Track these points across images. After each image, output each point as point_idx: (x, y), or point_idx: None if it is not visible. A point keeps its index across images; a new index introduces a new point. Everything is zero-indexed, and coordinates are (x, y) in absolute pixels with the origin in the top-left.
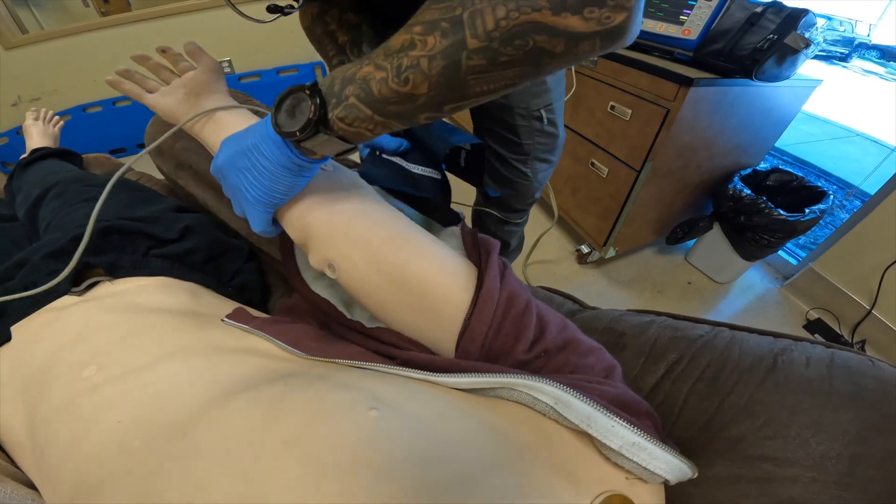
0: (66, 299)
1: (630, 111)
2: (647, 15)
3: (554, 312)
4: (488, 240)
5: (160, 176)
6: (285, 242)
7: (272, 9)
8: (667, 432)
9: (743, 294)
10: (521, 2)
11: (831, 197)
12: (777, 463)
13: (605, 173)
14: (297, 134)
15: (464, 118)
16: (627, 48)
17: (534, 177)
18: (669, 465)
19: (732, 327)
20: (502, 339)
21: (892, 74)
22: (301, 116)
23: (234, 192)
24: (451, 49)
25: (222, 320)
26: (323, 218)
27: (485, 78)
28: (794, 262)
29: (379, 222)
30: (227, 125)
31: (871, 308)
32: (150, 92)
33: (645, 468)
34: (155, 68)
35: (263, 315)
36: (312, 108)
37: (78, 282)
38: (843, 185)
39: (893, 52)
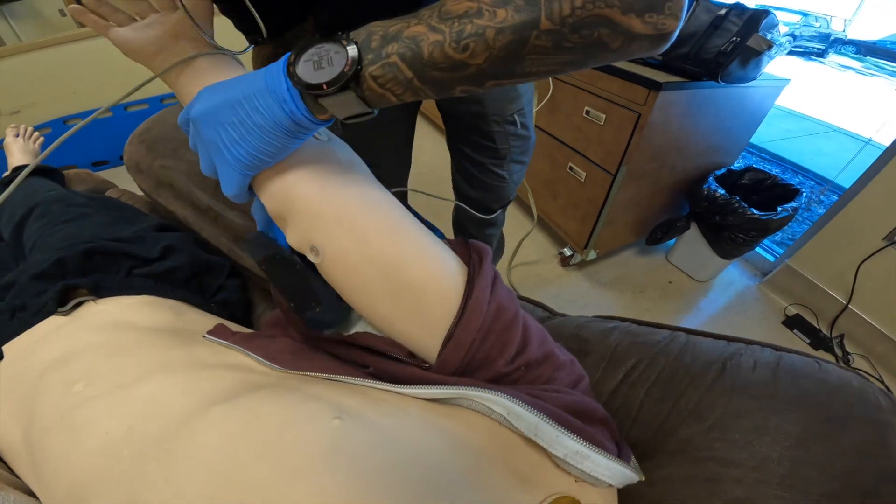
0: (54, 319)
1: (604, 116)
2: None
3: (537, 324)
4: (481, 246)
5: (140, 192)
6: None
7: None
8: (624, 435)
9: (723, 292)
10: None
11: (804, 195)
12: (723, 464)
13: (583, 177)
14: (325, 87)
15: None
16: None
17: (510, 178)
18: (612, 471)
19: (689, 332)
20: (486, 350)
21: (869, 69)
22: (331, 69)
23: (208, 148)
24: (523, 26)
25: (203, 336)
26: (312, 194)
27: (541, 60)
28: (771, 258)
29: (375, 207)
30: (207, 74)
31: (848, 302)
32: (121, 26)
33: (590, 475)
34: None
35: (244, 330)
36: (349, 62)
37: (64, 302)
38: (821, 181)
39: (870, 46)
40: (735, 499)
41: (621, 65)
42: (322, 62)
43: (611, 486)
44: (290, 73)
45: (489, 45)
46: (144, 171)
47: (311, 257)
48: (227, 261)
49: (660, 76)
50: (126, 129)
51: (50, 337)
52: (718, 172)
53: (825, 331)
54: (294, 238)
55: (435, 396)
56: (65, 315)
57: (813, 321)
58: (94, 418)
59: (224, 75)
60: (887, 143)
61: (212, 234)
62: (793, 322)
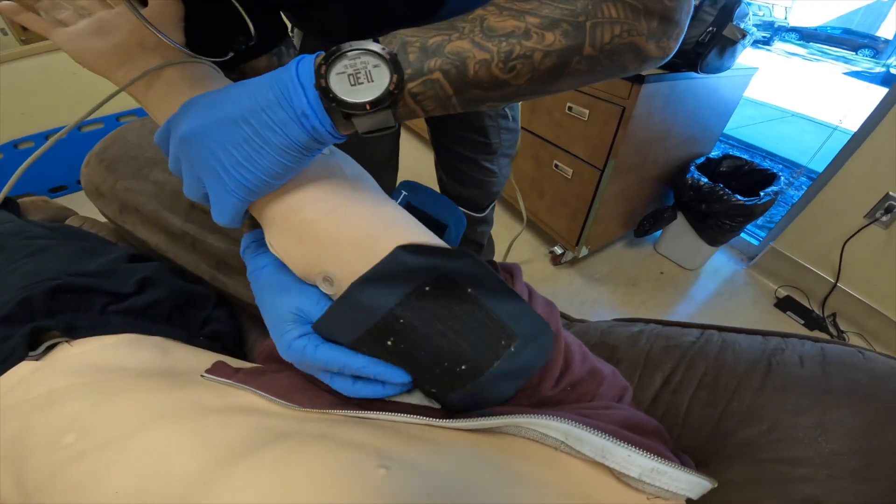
0: (25, 365)
1: (587, 111)
2: None
3: (574, 338)
4: (510, 265)
5: (104, 219)
6: None
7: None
8: (674, 443)
9: (712, 278)
10: (630, 25)
11: (781, 178)
12: (789, 464)
13: (570, 174)
14: (368, 108)
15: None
16: None
17: (500, 172)
18: (691, 483)
19: (721, 329)
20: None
21: (814, 55)
22: (371, 85)
23: (199, 172)
24: (568, 51)
25: (202, 376)
26: (321, 217)
27: (572, 81)
28: (755, 242)
29: (393, 226)
30: (182, 86)
31: (836, 281)
32: (66, 25)
33: (667, 490)
34: None
35: (245, 364)
36: (394, 79)
37: (34, 346)
38: (789, 165)
39: (811, 33)
40: (807, 497)
41: None
42: (360, 76)
43: (686, 498)
44: (323, 88)
45: (534, 67)
46: (106, 194)
47: (323, 287)
48: (212, 290)
49: None
50: (82, 151)
51: (26, 382)
52: (698, 161)
53: (817, 311)
54: (300, 266)
55: (481, 427)
56: (37, 360)
57: (804, 302)
58: (95, 477)
59: (203, 87)
60: (851, 125)
61: (190, 261)
62: (785, 304)
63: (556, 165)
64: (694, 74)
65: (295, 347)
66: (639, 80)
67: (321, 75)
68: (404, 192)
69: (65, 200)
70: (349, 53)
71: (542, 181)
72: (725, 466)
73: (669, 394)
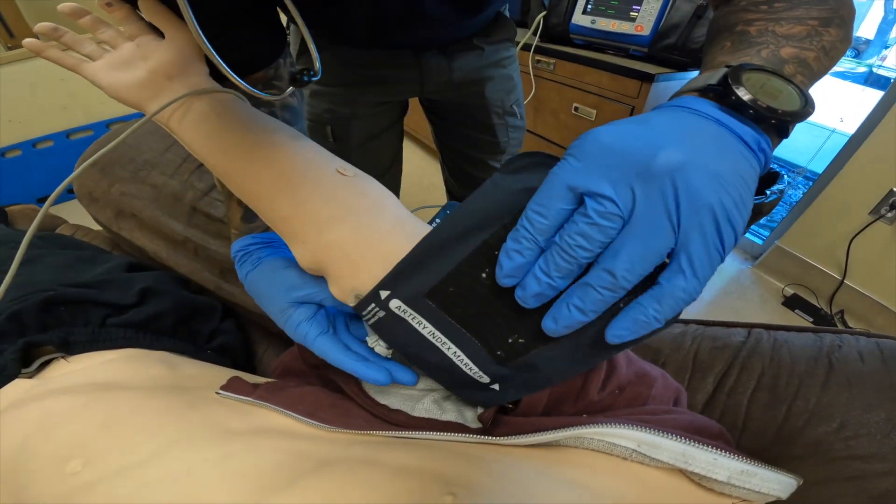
0: (18, 384)
1: (595, 111)
2: (598, 13)
3: None
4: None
5: (98, 227)
6: None
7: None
8: (735, 446)
9: (719, 277)
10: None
11: (785, 177)
12: (864, 460)
13: None
14: (808, 109)
15: (423, 132)
16: (582, 48)
17: None
18: (781, 483)
19: (767, 327)
20: (568, 382)
21: None
22: (789, 98)
23: (697, 217)
24: (845, 43)
25: (217, 393)
26: (348, 237)
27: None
28: (759, 241)
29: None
30: (212, 117)
31: (843, 278)
32: (91, 59)
33: (758, 492)
34: (92, 26)
35: (261, 379)
36: (795, 85)
37: (27, 362)
38: (785, 165)
39: None
40: (885, 491)
41: (608, 58)
42: (773, 92)
43: (774, 501)
44: (770, 110)
45: (837, 56)
46: (100, 199)
47: (353, 305)
48: (217, 300)
49: (649, 68)
50: (71, 159)
51: (21, 403)
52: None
53: (825, 308)
54: (337, 289)
55: (542, 442)
56: (30, 377)
57: (812, 300)
58: None
59: (233, 115)
60: (846, 125)
61: (192, 269)
62: (792, 302)
63: None
64: None
65: (299, 332)
66: (648, 79)
67: (754, 106)
68: (448, 212)
69: (55, 210)
70: (754, 71)
71: None
72: (795, 467)
73: (725, 396)
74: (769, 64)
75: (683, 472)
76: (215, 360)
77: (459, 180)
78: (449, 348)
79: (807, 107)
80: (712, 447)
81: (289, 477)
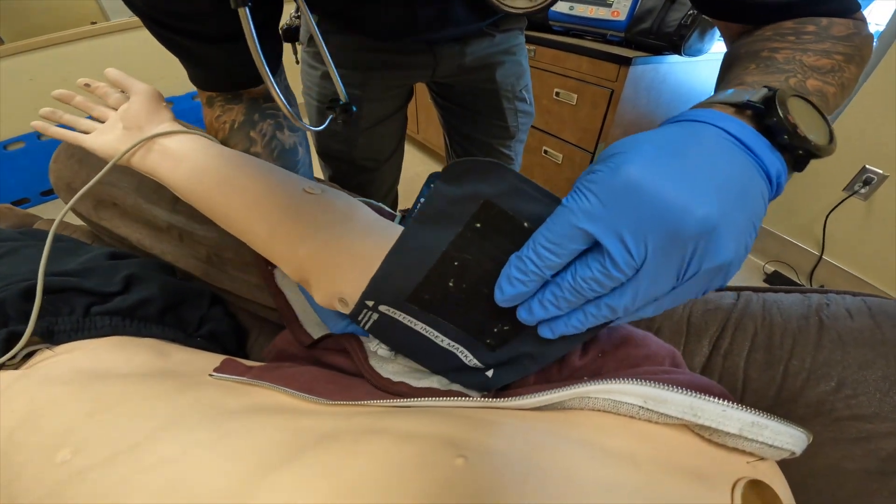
0: (4, 375)
1: (576, 96)
2: (576, 0)
3: None
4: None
5: (78, 222)
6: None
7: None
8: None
9: None
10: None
11: None
12: (867, 420)
13: (560, 159)
14: (831, 140)
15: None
16: (560, 34)
17: (516, 158)
18: (793, 437)
19: (755, 290)
20: None
21: None
22: (821, 132)
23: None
24: (857, 81)
25: (210, 375)
26: (319, 250)
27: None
28: None
29: (388, 244)
30: (184, 156)
31: (822, 254)
32: (86, 133)
33: (770, 445)
34: (84, 106)
35: (255, 364)
36: (824, 118)
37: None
38: None
39: None
40: (893, 452)
41: (587, 43)
42: (804, 117)
43: (787, 455)
44: (793, 131)
45: (849, 89)
46: (78, 190)
47: (340, 308)
48: (206, 285)
49: (626, 52)
50: (43, 160)
51: (5, 394)
52: None
53: (806, 284)
54: (320, 296)
55: (547, 402)
56: (15, 368)
57: (793, 276)
58: (106, 496)
59: (201, 152)
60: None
61: (178, 256)
62: (773, 279)
63: (546, 151)
64: (677, 57)
65: None
66: (626, 62)
67: (794, 119)
68: (431, 185)
69: (33, 211)
70: (787, 96)
71: (532, 168)
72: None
73: (721, 358)
74: (771, 79)
75: (692, 430)
76: (205, 348)
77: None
78: (442, 340)
79: (831, 144)
80: (720, 399)
81: (288, 453)
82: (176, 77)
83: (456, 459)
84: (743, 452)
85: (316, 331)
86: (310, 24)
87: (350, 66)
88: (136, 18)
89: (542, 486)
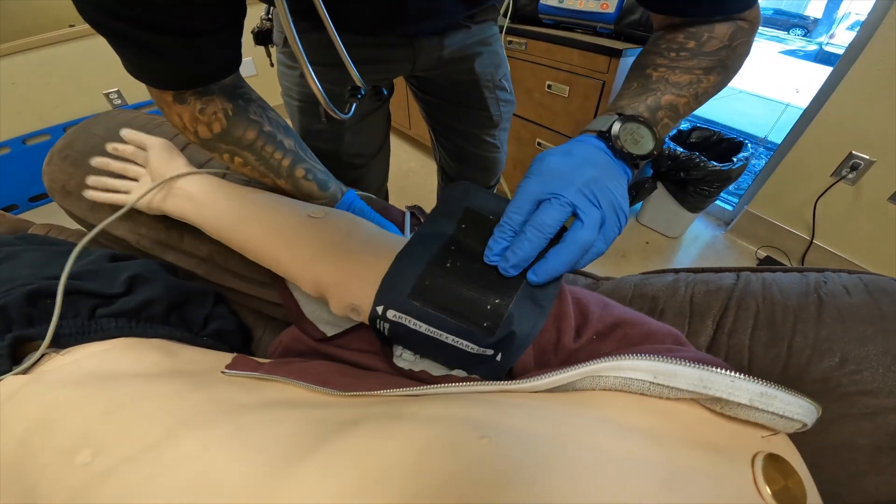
0: (10, 381)
1: (568, 88)
2: None
3: (588, 292)
4: None
5: (73, 226)
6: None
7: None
8: None
9: (694, 244)
10: (748, 39)
11: (749, 145)
12: (873, 395)
13: None
14: (654, 153)
15: (416, 124)
16: (552, 27)
17: (501, 146)
18: (802, 407)
19: (753, 270)
20: (545, 334)
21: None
22: (646, 143)
23: (612, 206)
24: (721, 84)
25: (223, 372)
26: (331, 268)
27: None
28: (729, 207)
29: (390, 255)
30: (204, 199)
31: (812, 238)
32: (126, 192)
33: (781, 416)
34: (121, 169)
35: (265, 360)
36: (653, 133)
37: (17, 359)
38: (747, 137)
39: None
40: None
41: (577, 36)
42: (634, 136)
43: (799, 428)
44: (623, 150)
45: (710, 95)
46: (73, 192)
47: (353, 317)
48: (209, 284)
49: (616, 44)
50: (30, 167)
51: (15, 400)
52: (671, 133)
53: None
54: (336, 307)
55: (560, 383)
56: (23, 373)
57: (785, 261)
58: (131, 496)
59: (214, 192)
60: (800, 97)
61: (179, 256)
62: (766, 264)
63: (539, 144)
64: None
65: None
66: (616, 54)
67: (625, 141)
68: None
69: (25, 217)
70: (627, 121)
71: (526, 160)
72: None
73: (726, 337)
74: (649, 111)
75: (702, 405)
76: (212, 347)
77: (457, 158)
78: (446, 338)
79: (653, 150)
80: (728, 370)
81: (309, 444)
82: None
83: (481, 440)
84: (757, 426)
85: (327, 329)
86: (284, 19)
87: (327, 62)
88: None
89: (570, 461)
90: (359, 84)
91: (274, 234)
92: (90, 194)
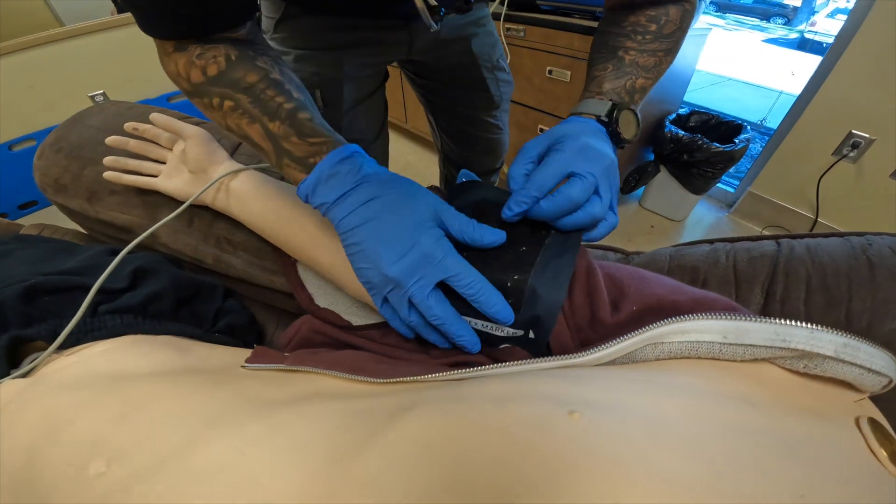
0: (10, 385)
1: (569, 73)
2: None
3: (620, 265)
4: None
5: (68, 225)
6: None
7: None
8: None
9: (699, 227)
10: (690, 18)
11: (748, 127)
12: None
13: None
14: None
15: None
16: (550, 13)
17: (504, 128)
18: (886, 360)
19: (792, 236)
20: (578, 311)
21: (731, 25)
22: (632, 127)
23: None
24: (671, 63)
25: (243, 366)
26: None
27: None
28: (731, 189)
29: None
30: (248, 196)
31: (817, 217)
32: (153, 175)
33: (869, 369)
34: (141, 149)
35: (286, 353)
36: (637, 119)
37: (16, 362)
38: (742, 121)
39: (726, 4)
40: None
41: (577, 21)
42: (621, 121)
43: (886, 384)
44: (616, 132)
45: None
46: (69, 186)
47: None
48: (217, 278)
49: None
50: (17, 173)
51: (16, 405)
52: (671, 118)
53: None
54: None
55: (623, 351)
56: (23, 377)
57: None
58: None
59: (258, 187)
60: (793, 83)
61: (188, 243)
62: None
63: (541, 129)
64: None
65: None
66: None
67: (619, 126)
68: (464, 180)
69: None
70: (617, 108)
71: None
72: None
73: (779, 304)
74: (628, 93)
75: (781, 367)
76: (225, 343)
77: (459, 142)
78: (475, 323)
79: (636, 136)
80: (804, 323)
81: (358, 437)
82: (146, 79)
83: (571, 415)
84: (845, 389)
85: (352, 318)
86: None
87: (325, 46)
88: (95, 21)
89: (675, 431)
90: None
91: (316, 237)
92: (110, 175)
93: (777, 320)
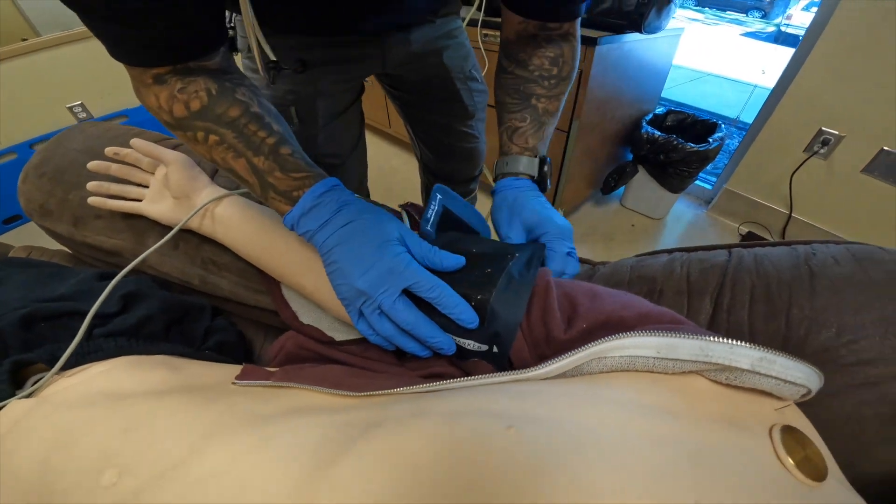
0: (16, 405)
1: None
2: None
3: (577, 283)
4: None
5: (55, 246)
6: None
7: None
8: None
9: (678, 224)
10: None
11: (723, 126)
12: (872, 364)
13: None
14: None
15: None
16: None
17: (481, 136)
18: (803, 372)
19: (745, 246)
20: (535, 328)
21: (710, 19)
22: (549, 176)
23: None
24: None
25: (234, 383)
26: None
27: None
28: (709, 186)
29: None
30: (232, 223)
31: (791, 212)
32: (137, 200)
33: (785, 380)
34: (123, 173)
35: (273, 369)
36: (550, 167)
37: (20, 383)
38: (719, 118)
39: None
40: None
41: None
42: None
43: (804, 394)
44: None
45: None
46: (54, 210)
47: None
48: (204, 298)
49: (591, 33)
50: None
51: (25, 424)
52: (647, 118)
53: None
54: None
55: (569, 366)
56: (27, 397)
57: (767, 235)
58: None
59: (243, 212)
60: (766, 78)
61: (174, 265)
62: (748, 239)
63: None
64: (638, 35)
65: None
66: (592, 42)
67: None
68: (440, 196)
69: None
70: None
71: None
72: None
73: (725, 314)
74: (543, 144)
75: (707, 378)
76: (215, 360)
77: (436, 152)
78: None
79: (547, 182)
80: (725, 338)
81: (338, 448)
82: (125, 90)
83: (507, 430)
84: (768, 399)
85: (335, 334)
86: (248, 21)
87: (298, 64)
88: (71, 32)
89: (598, 442)
90: (273, 59)
91: (299, 262)
92: (94, 200)
93: (702, 336)
